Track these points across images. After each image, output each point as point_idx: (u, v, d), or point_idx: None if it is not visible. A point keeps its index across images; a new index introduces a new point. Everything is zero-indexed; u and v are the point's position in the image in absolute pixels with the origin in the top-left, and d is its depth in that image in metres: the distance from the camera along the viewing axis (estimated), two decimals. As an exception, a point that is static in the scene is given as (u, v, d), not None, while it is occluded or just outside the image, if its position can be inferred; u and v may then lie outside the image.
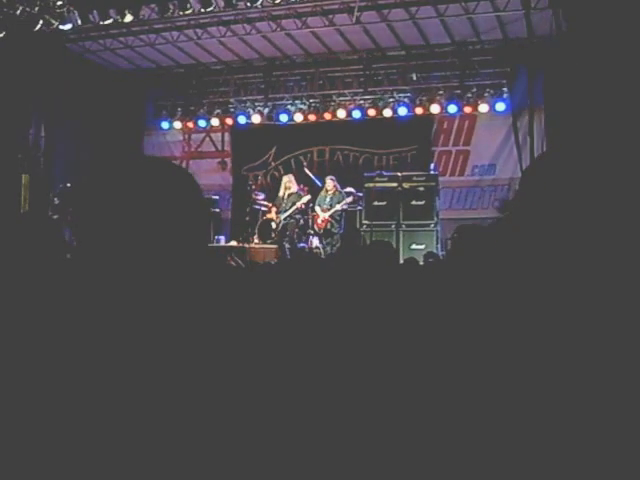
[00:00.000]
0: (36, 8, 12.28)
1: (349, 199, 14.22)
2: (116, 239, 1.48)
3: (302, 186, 14.68)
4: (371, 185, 14.22)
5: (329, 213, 14.10)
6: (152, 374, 1.40)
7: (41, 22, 12.35)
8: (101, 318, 1.43)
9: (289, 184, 14.39)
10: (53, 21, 12.39)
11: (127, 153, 15.19)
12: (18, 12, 12.21)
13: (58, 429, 1.36)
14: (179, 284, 1.50)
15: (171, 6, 12.43)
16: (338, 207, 14.09)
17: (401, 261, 8.67)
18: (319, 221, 14.24)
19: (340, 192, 14.30)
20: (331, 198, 14.22)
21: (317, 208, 14.32)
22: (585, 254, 1.33)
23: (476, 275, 2.21)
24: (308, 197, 14.41)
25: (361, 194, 14.39)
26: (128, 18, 12.35)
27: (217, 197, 16.32)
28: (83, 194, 1.56)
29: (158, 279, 1.48)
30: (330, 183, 14.29)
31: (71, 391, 1.37)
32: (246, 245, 14.58)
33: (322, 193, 14.43)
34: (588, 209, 1.32)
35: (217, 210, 16.10)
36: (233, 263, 11.17)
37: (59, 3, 12.21)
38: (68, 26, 12.57)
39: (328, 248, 13.85)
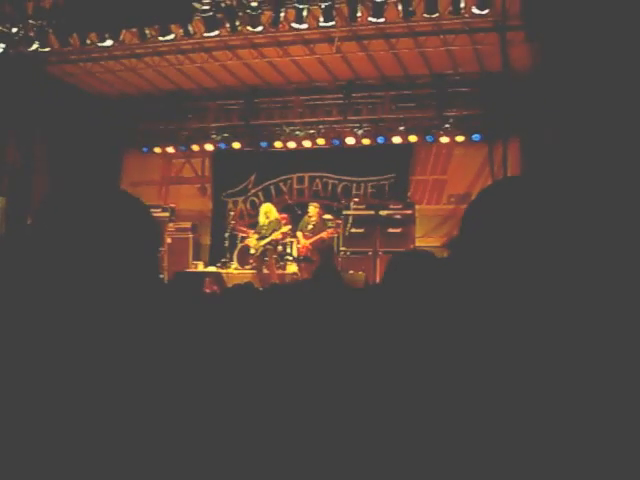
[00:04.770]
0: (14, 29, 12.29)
1: (330, 230, 14.25)
2: (62, 268, 1.51)
3: (282, 215, 14.71)
4: (349, 212, 14.36)
5: (310, 240, 14.10)
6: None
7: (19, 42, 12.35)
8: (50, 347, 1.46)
9: (269, 211, 14.41)
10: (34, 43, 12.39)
11: (94, 179, 15.14)
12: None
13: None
14: (123, 312, 1.53)
15: (153, 31, 12.46)
16: (322, 235, 14.12)
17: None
18: (299, 246, 14.26)
19: (323, 220, 14.35)
20: (314, 225, 14.22)
21: (299, 233, 14.32)
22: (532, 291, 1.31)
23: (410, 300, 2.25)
24: (288, 227, 14.46)
25: (339, 221, 14.50)
26: (108, 43, 12.39)
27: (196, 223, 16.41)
28: (36, 223, 1.60)
29: (102, 309, 1.51)
30: (313, 210, 14.32)
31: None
32: (224, 270, 14.64)
33: (305, 219, 14.44)
34: (532, 241, 1.32)
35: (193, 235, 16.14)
36: (210, 289, 11.17)
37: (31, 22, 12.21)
38: (35, 46, 12.50)
39: (305, 274, 13.85)
